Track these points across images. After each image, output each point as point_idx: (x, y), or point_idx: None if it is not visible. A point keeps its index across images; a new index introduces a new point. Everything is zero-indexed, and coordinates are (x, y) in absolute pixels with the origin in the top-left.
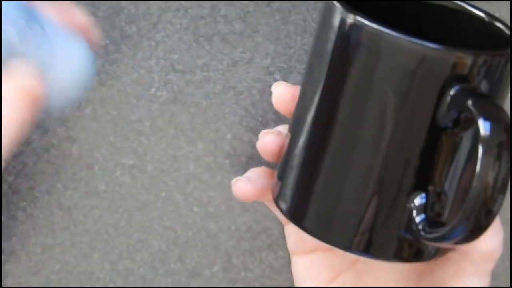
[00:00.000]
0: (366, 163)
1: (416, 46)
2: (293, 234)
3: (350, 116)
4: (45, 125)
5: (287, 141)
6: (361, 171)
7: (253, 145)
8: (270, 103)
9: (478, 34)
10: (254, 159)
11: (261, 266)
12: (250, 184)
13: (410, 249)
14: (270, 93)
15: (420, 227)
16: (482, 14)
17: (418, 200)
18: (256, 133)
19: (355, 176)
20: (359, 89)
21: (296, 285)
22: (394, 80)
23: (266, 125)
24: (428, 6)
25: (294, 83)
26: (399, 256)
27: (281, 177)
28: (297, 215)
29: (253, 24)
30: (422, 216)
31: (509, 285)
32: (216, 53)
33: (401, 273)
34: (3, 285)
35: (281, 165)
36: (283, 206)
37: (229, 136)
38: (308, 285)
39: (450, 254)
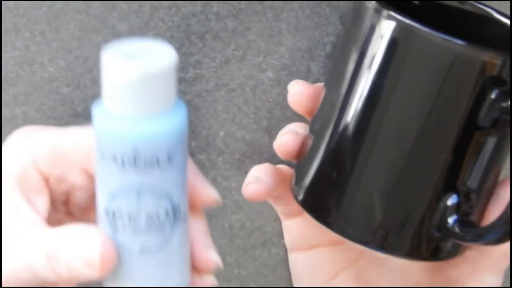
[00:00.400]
0: (397, 161)
1: (451, 44)
2: (294, 229)
3: (384, 114)
4: (37, 123)
5: (311, 138)
6: (392, 169)
7: (246, 143)
8: (262, 101)
9: (498, 38)
10: (247, 157)
11: (255, 264)
12: (261, 185)
13: (428, 247)
14: (263, 90)
15: (453, 227)
16: (503, 19)
17: (450, 200)
18: (248, 130)
19: (384, 173)
20: (394, 87)
21: (294, 282)
22: (430, 78)
23: (259, 122)
24: (446, 8)
25: (286, 81)
26: (417, 254)
27: (304, 173)
28: (317, 209)
29: (246, 22)
30: (455, 216)
31: (509, 285)
32: (208, 51)
33: (406, 272)
34: (3, 285)
35: (304, 162)
36: (303, 199)
37: (221, 134)
38: (308, 281)
39: (466, 253)
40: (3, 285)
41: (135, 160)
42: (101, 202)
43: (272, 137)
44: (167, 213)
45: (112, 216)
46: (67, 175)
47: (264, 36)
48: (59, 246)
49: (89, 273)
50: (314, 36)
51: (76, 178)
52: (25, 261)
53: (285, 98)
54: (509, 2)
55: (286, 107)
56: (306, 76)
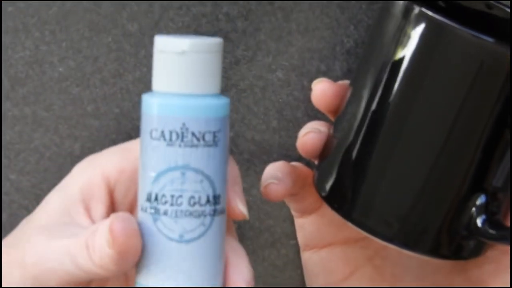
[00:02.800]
0: (425, 159)
1: (482, 41)
2: (308, 227)
3: (412, 112)
4: (47, 123)
5: (336, 136)
6: (419, 167)
7: (255, 143)
8: (272, 101)
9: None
10: (257, 157)
11: (263, 264)
12: (281, 185)
13: (451, 246)
14: (272, 91)
15: (483, 227)
16: None
17: (479, 200)
18: (258, 131)
19: (412, 171)
20: (423, 84)
21: (308, 281)
22: (460, 75)
23: (268, 123)
24: (470, 11)
25: (296, 81)
26: (440, 252)
27: (328, 171)
28: (342, 206)
29: (255, 22)
30: (483, 216)
31: (509, 285)
32: None
33: (422, 272)
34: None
35: (328, 160)
36: (328, 196)
37: (231, 134)
38: (322, 280)
39: (488, 252)
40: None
41: (183, 136)
42: (144, 188)
43: (282, 137)
44: (208, 199)
45: (155, 199)
46: (135, 180)
47: (273, 36)
48: (94, 235)
49: (108, 251)
50: (324, 37)
51: None
52: (68, 250)
53: (295, 99)
54: (509, 2)
55: (296, 107)
56: (316, 77)
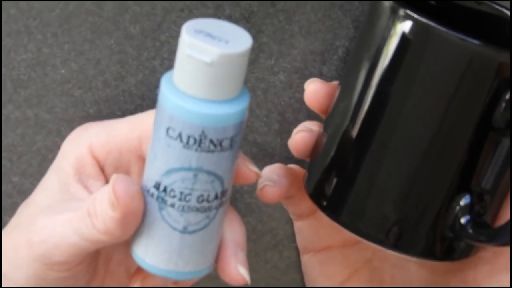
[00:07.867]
0: (412, 160)
1: (468, 44)
2: (306, 230)
3: (399, 113)
4: (49, 126)
5: (326, 136)
6: (406, 168)
7: (257, 145)
8: (274, 103)
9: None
10: (259, 159)
11: (266, 267)
12: (276, 187)
13: (442, 247)
14: (275, 93)
15: (466, 227)
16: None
17: (463, 200)
18: (260, 133)
19: (399, 172)
20: (410, 86)
21: (307, 284)
22: (446, 77)
23: (270, 125)
24: (462, 8)
25: (298, 84)
26: (430, 253)
27: (318, 171)
28: (331, 208)
29: (258, 25)
30: (468, 216)
31: (503, 286)
32: None
33: (420, 273)
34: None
35: (318, 160)
36: (317, 197)
37: None
38: (321, 283)
39: (482, 253)
40: (52, 250)
41: (201, 142)
42: (153, 175)
43: (284, 140)
44: (216, 196)
45: (163, 190)
46: (123, 161)
47: (276, 39)
48: (95, 202)
49: (112, 214)
50: (326, 39)
51: (131, 164)
52: (71, 222)
53: (297, 101)
54: (509, 2)
55: (298, 110)
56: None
